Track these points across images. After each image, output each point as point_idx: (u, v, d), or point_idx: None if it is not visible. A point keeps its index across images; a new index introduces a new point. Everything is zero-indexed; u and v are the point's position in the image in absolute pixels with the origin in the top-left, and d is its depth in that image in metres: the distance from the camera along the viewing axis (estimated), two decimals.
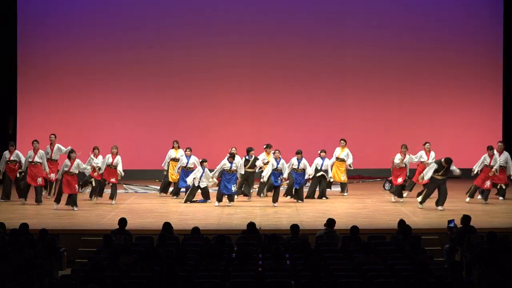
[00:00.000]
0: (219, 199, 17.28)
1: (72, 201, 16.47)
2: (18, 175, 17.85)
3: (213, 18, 22.43)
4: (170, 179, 18.76)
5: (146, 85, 22.50)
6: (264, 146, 18.62)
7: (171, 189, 18.86)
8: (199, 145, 19.96)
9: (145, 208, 16.93)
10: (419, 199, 16.95)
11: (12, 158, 17.87)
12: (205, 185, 17.68)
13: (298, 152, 17.77)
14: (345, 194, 19.00)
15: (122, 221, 12.83)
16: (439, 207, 16.41)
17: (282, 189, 18.10)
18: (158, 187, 19.55)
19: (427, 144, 18.37)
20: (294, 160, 17.77)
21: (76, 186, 16.70)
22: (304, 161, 17.79)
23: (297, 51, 22.48)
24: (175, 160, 18.67)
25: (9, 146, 18.07)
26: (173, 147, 18.92)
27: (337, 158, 18.86)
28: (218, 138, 21.81)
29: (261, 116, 22.57)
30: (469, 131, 22.31)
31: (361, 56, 22.53)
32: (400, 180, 17.79)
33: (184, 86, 22.59)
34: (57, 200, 16.71)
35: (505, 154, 17.82)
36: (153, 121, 22.48)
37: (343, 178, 18.90)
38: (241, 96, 22.62)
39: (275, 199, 17.31)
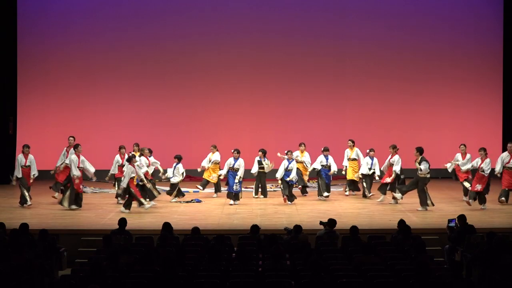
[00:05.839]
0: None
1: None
2: (31, 180, 17.15)
3: (214, 18, 22.39)
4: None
5: (146, 84, 22.48)
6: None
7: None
8: (199, 145, 19.94)
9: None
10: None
11: (27, 163, 17.04)
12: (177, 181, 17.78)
13: (326, 149, 18.29)
14: (346, 192, 19.10)
15: (122, 221, 12.84)
16: (419, 208, 16.23)
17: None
18: (162, 188, 19.57)
19: (462, 146, 17.84)
20: (321, 157, 18.23)
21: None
22: (327, 158, 18.23)
23: (297, 51, 22.45)
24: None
25: (24, 149, 17.21)
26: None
27: (349, 159, 18.91)
28: (218, 138, 21.77)
29: (262, 116, 22.54)
30: (469, 131, 22.28)
31: (361, 56, 22.51)
32: (479, 187, 16.62)
33: (184, 86, 22.56)
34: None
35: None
36: (154, 121, 22.43)
37: (356, 176, 18.89)
38: (242, 96, 22.59)
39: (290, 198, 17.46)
